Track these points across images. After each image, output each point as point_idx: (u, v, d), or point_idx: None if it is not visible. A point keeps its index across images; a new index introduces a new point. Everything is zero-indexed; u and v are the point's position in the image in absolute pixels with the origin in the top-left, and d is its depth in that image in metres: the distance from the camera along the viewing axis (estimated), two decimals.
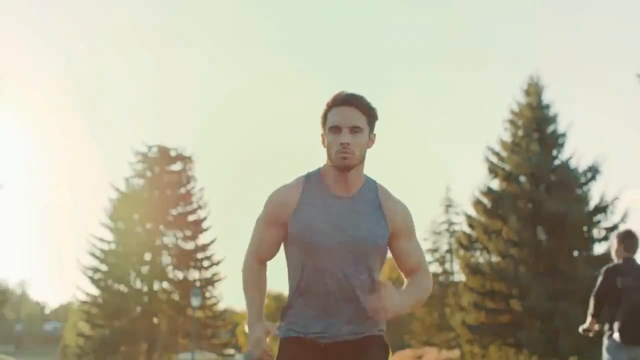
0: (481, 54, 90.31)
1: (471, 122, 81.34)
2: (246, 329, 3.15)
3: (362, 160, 3.12)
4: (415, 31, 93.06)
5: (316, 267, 3.08)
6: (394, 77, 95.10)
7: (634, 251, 6.85)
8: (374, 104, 3.16)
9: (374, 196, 3.16)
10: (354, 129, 3.06)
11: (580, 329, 6.93)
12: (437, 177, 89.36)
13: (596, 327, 6.82)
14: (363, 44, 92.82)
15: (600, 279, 6.77)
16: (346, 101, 3.09)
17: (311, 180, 3.17)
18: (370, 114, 3.12)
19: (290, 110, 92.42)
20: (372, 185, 3.19)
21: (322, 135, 3.17)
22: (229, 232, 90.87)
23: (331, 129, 3.09)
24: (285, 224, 3.13)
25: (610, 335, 6.64)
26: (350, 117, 3.07)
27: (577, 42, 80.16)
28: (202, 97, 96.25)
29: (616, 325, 6.56)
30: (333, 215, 3.09)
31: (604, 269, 6.78)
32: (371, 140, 3.16)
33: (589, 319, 6.84)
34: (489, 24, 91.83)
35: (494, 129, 65.34)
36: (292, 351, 3.12)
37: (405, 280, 3.27)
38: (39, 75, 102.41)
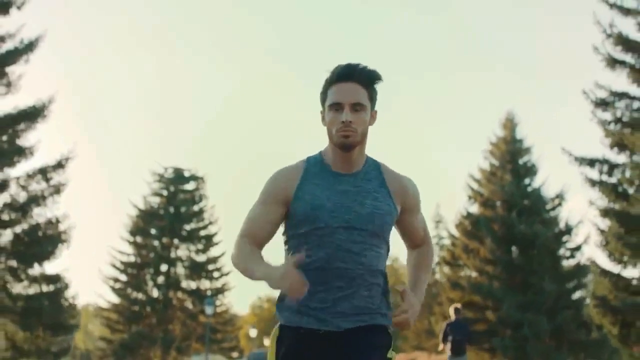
0: (481, 56, 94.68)
1: (471, 125, 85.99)
2: (267, 282, 2.82)
3: (364, 139, 3.05)
4: (415, 34, 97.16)
5: (321, 246, 2.99)
6: (394, 80, 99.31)
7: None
8: (376, 72, 3.07)
9: (377, 173, 3.11)
10: (356, 106, 2.98)
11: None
12: (437, 178, 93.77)
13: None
14: (363, 46, 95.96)
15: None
16: (347, 76, 3.01)
17: (312, 161, 3.12)
18: (372, 88, 3.05)
19: (291, 115, 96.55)
20: (374, 163, 3.14)
21: (321, 112, 3.10)
22: None
23: (331, 107, 3.01)
24: (286, 203, 3.05)
25: None
26: (352, 94, 2.98)
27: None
28: (202, 102, 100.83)
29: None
30: (337, 194, 3.02)
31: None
32: (373, 117, 3.08)
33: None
34: (489, 26, 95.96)
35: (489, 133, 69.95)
36: (290, 340, 3.04)
37: (410, 252, 3.34)
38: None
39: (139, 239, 41.96)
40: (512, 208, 34.10)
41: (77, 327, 25.43)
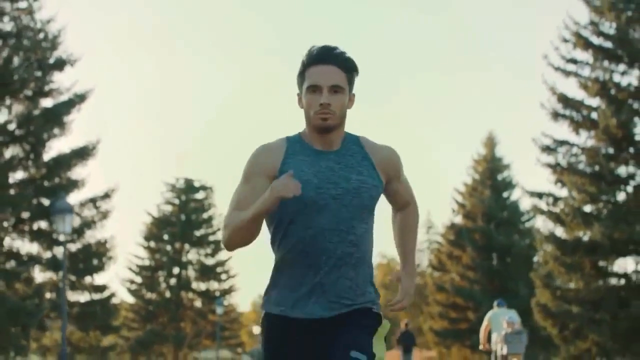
0: (481, 55, 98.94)
1: (470, 124, 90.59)
2: (264, 202, 2.93)
3: (342, 122, 3.08)
4: (415, 33, 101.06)
5: (309, 224, 3.03)
6: (394, 79, 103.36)
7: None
8: (353, 58, 3.10)
9: (358, 148, 3.14)
10: (334, 88, 3.01)
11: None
12: (436, 178, 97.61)
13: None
14: (363, 46, 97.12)
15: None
16: (325, 58, 3.05)
17: (292, 140, 3.14)
18: (350, 72, 3.07)
19: (291, 115, 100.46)
20: (353, 138, 3.17)
21: (298, 95, 3.12)
22: (243, 251, 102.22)
23: (309, 89, 3.03)
24: (271, 177, 3.05)
25: None
26: (330, 76, 3.02)
27: None
28: (202, 102, 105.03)
29: None
30: (322, 169, 3.05)
31: None
32: (351, 100, 3.10)
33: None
34: (489, 26, 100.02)
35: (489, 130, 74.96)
36: (276, 329, 3.11)
37: (395, 214, 3.40)
38: None
39: (152, 244, 47.20)
40: (491, 220, 39.74)
41: (121, 327, 31.05)
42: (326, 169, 3.07)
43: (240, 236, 3.04)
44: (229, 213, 3.07)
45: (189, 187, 48.34)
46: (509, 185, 40.95)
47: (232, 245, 3.07)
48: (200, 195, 48.60)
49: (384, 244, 67.93)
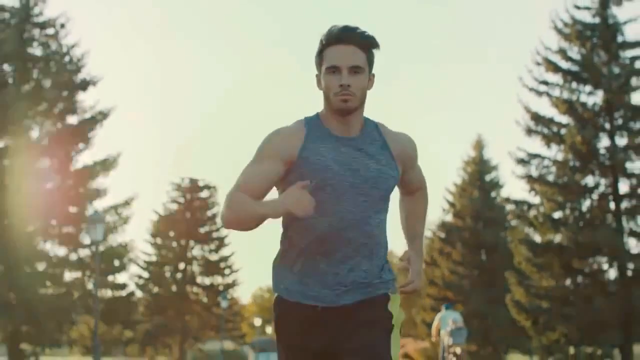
0: (478, 47, 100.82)
1: (466, 116, 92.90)
2: (275, 211, 2.95)
3: (362, 103, 3.07)
4: (414, 25, 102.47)
5: (325, 212, 3.02)
6: (393, 70, 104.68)
7: None
8: (374, 37, 3.09)
9: (377, 135, 3.14)
10: (354, 69, 3.02)
11: None
12: (434, 170, 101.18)
13: None
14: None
15: None
16: (345, 38, 3.03)
17: (311, 123, 3.12)
18: (370, 51, 3.07)
19: (291, 106, 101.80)
20: (373, 125, 3.17)
21: (317, 76, 3.12)
22: (245, 246, 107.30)
23: (328, 69, 3.03)
24: (287, 162, 3.05)
25: None
26: (350, 56, 3.01)
27: None
28: (202, 93, 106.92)
29: None
30: (342, 156, 3.05)
31: None
32: (371, 80, 3.10)
33: None
34: (486, 18, 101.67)
35: (487, 124, 78.03)
36: (290, 317, 3.13)
37: (403, 197, 3.44)
38: None
39: (159, 241, 50.68)
40: (479, 219, 43.43)
41: (140, 322, 34.74)
42: (346, 156, 3.06)
43: (240, 225, 3.03)
44: (233, 192, 3.02)
45: (194, 187, 51.80)
46: (496, 185, 44.65)
47: (229, 227, 3.05)
48: (204, 194, 51.84)
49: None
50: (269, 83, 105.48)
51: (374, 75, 3.13)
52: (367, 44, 3.07)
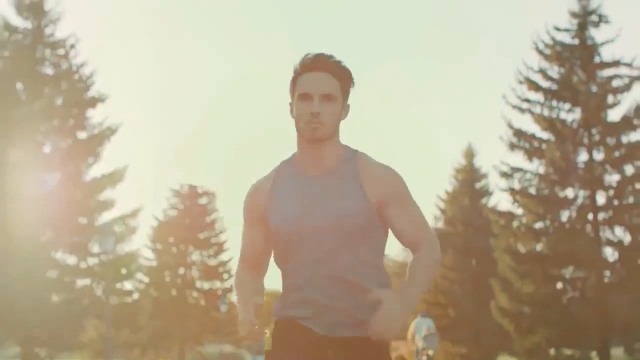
0: (472, 39, 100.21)
1: (461, 109, 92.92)
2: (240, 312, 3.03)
3: (334, 133, 3.04)
4: (410, 17, 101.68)
5: (291, 259, 3.05)
6: (393, 70, 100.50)
7: None
8: (348, 67, 3.06)
9: (351, 168, 3.06)
10: (326, 97, 2.99)
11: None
12: (431, 165, 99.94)
13: None
14: (355, 30, 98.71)
15: None
16: (318, 65, 3.02)
17: (282, 166, 3.14)
18: (345, 80, 3.04)
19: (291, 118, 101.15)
20: (350, 156, 3.10)
21: (290, 104, 3.09)
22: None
23: (300, 96, 3.01)
24: (261, 220, 3.13)
25: None
26: (322, 84, 2.99)
27: None
28: (202, 94, 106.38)
29: None
30: (305, 198, 3.04)
31: None
32: (345, 110, 3.07)
33: None
34: (481, 9, 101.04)
35: (484, 118, 78.25)
36: (286, 335, 3.11)
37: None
38: None
39: (159, 246, 52.51)
40: (470, 226, 45.63)
41: (145, 326, 36.89)
42: (309, 197, 3.03)
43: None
44: (238, 265, 3.22)
45: (193, 193, 53.64)
46: (486, 193, 46.87)
47: None
48: (203, 200, 53.62)
49: None
50: (273, 90, 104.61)
51: (349, 106, 3.10)
52: (340, 71, 3.06)
